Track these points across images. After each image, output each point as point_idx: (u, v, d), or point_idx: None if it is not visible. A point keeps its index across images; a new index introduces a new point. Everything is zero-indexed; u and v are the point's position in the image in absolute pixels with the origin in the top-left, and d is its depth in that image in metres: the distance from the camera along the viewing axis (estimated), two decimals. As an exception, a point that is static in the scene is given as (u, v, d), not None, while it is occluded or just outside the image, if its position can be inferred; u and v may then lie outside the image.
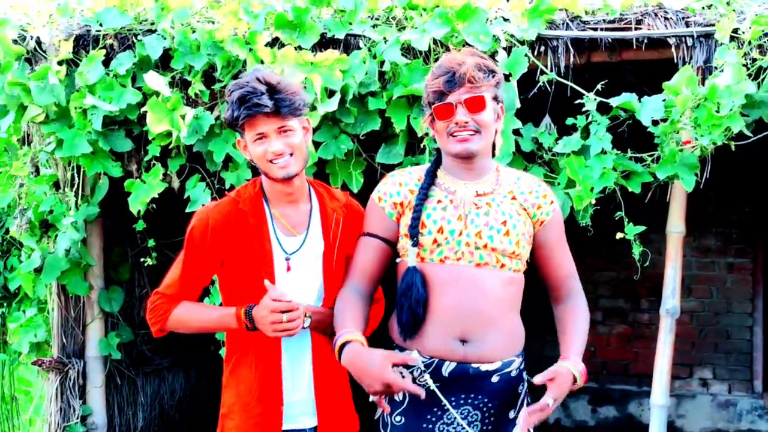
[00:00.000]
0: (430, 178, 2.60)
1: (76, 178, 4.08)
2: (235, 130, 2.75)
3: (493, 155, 2.67)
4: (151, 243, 4.18)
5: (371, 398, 2.39)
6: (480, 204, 2.54)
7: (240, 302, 2.76)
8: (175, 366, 5.18)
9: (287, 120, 2.64)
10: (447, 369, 2.49)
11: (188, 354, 5.22)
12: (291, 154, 2.66)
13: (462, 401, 2.51)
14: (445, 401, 2.48)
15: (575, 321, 2.60)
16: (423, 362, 2.48)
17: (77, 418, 4.30)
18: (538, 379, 2.37)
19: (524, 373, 2.62)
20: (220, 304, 2.89)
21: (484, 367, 2.50)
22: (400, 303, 2.53)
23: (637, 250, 3.60)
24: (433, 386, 2.47)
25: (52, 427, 4.33)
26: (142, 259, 4.32)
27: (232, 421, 2.80)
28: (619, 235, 3.62)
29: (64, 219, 4.00)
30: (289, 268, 2.75)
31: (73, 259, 4.11)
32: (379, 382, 2.30)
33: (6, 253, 4.91)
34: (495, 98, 2.53)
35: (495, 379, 2.52)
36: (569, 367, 2.43)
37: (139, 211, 3.87)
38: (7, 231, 4.70)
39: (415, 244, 2.52)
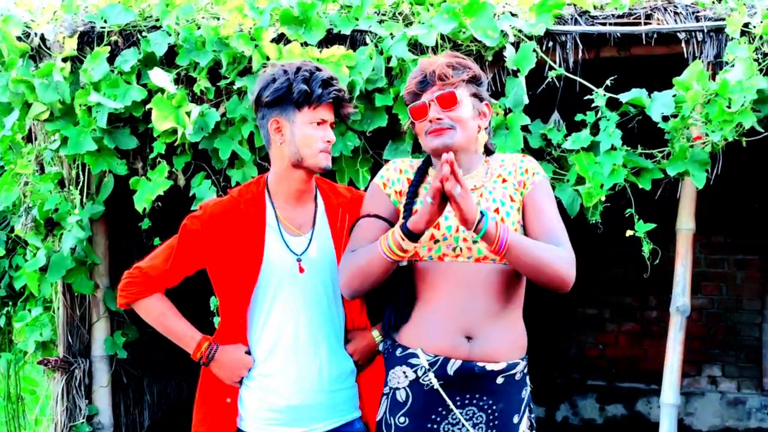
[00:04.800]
0: (420, 175, 2.61)
1: (81, 176, 4.07)
2: (286, 105, 2.68)
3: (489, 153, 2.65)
4: (156, 242, 4.15)
5: None
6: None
7: (230, 301, 2.76)
8: (182, 365, 5.15)
9: (338, 115, 2.77)
10: (452, 367, 2.45)
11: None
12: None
13: (467, 401, 2.48)
14: (449, 401, 2.46)
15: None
16: (427, 360, 2.46)
17: (83, 418, 4.28)
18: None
19: (527, 378, 2.58)
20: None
21: (489, 367, 2.46)
22: (392, 298, 2.55)
23: (647, 247, 3.56)
24: (436, 385, 2.45)
25: (58, 426, 4.31)
26: (147, 258, 4.30)
27: None
28: (629, 233, 3.59)
29: (69, 217, 3.97)
30: (302, 270, 2.72)
31: (78, 257, 4.09)
32: None
33: (11, 252, 4.89)
34: (475, 95, 2.54)
35: (500, 380, 2.48)
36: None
37: (144, 209, 3.84)
38: (12, 230, 4.68)
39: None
